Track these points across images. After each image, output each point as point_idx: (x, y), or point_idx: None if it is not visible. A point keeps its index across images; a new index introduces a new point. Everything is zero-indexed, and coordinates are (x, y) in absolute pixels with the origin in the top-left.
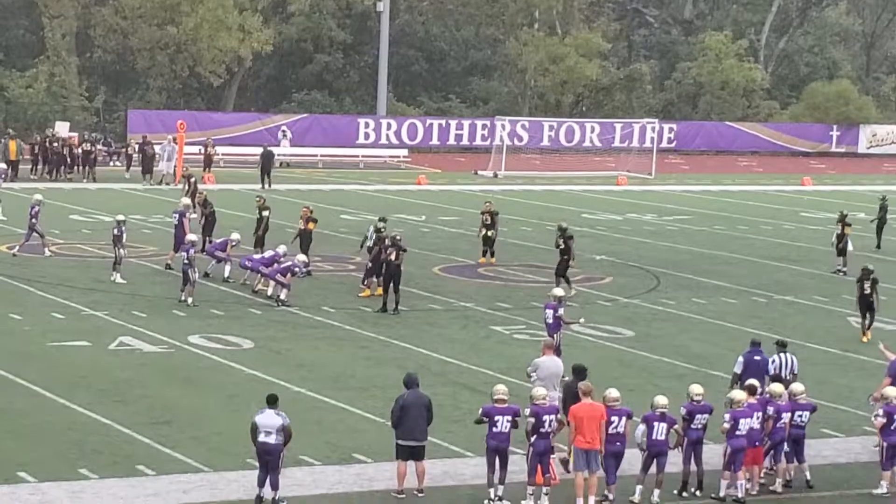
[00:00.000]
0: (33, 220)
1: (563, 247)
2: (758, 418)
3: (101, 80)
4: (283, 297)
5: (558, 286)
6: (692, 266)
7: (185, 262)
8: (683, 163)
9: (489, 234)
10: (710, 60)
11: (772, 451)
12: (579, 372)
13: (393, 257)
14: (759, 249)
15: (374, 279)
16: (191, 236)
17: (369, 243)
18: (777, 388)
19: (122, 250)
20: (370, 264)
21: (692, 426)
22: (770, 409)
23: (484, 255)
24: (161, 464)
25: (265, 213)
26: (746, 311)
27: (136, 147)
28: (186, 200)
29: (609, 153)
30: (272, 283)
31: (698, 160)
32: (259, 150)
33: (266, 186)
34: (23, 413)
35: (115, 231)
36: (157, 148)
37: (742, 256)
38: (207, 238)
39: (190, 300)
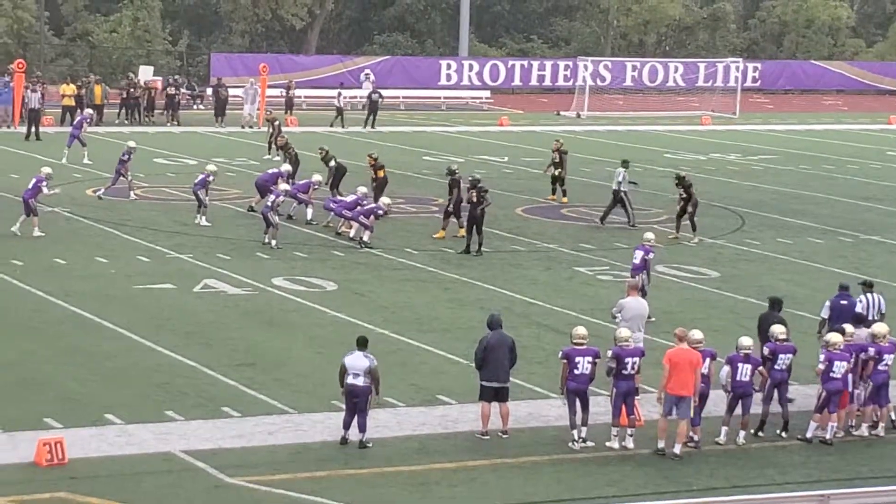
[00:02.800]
0: (121, 165)
1: (685, 196)
2: (850, 362)
3: (184, 23)
4: (365, 238)
5: (678, 231)
6: (777, 206)
7: (268, 205)
8: (768, 102)
9: (556, 172)
10: None
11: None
12: (776, 303)
13: (474, 200)
14: (845, 189)
15: (456, 221)
16: (283, 186)
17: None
18: (876, 328)
19: (206, 197)
20: (450, 207)
21: (775, 367)
22: (871, 350)
23: (553, 193)
24: (246, 406)
25: (331, 164)
26: (832, 251)
27: (211, 90)
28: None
29: (693, 93)
30: (355, 225)
31: (783, 99)
32: (365, 93)
33: (369, 128)
34: (109, 355)
35: (205, 178)
36: (239, 91)
37: (828, 196)
38: (290, 181)
39: (273, 242)
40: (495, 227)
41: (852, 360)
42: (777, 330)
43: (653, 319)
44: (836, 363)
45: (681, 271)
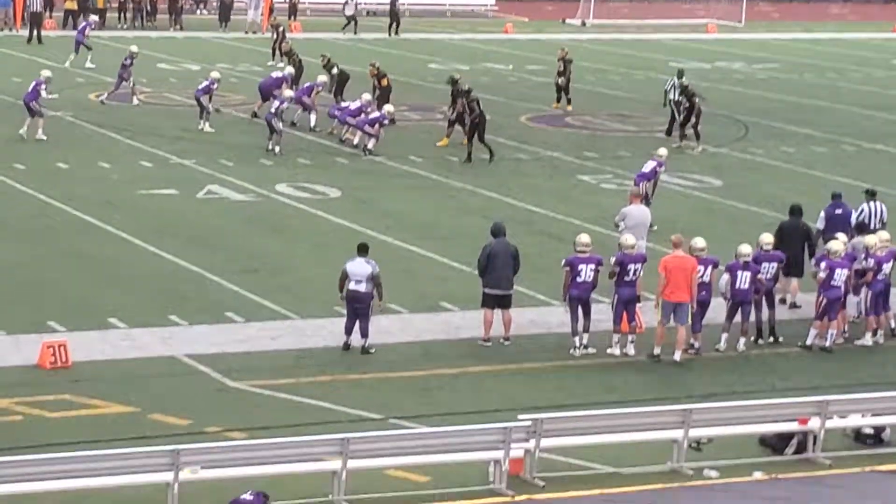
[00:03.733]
0: (123, 70)
1: (687, 105)
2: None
3: None
4: (370, 146)
5: (682, 140)
6: (781, 114)
7: (272, 111)
8: (774, 10)
9: (559, 80)
10: None
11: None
12: (796, 211)
13: (465, 110)
14: (848, 97)
15: (461, 129)
16: (288, 92)
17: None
18: (870, 239)
19: (209, 104)
20: (453, 116)
21: (759, 274)
22: (870, 261)
23: (557, 101)
24: (249, 311)
25: (333, 72)
26: (835, 160)
27: None
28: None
29: (698, 1)
30: (359, 132)
31: (789, 8)
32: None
33: (394, 35)
34: (113, 260)
35: (209, 85)
36: None
37: (831, 105)
38: (293, 87)
39: (277, 149)
40: (500, 135)
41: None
42: (764, 239)
43: (654, 228)
44: (837, 271)
45: (684, 180)
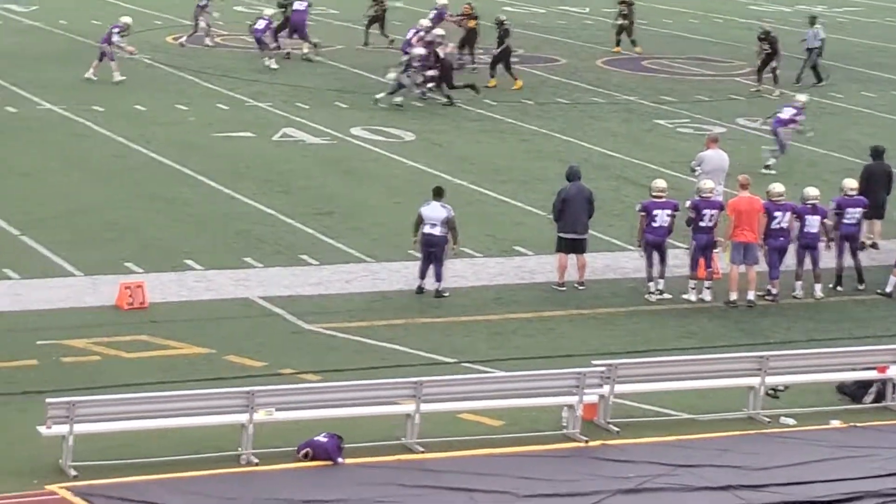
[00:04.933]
0: (199, 11)
1: (769, 50)
2: None
3: None
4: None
5: (760, 83)
6: (863, 59)
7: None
8: None
9: (622, 23)
10: None
11: None
12: (880, 153)
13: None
14: None
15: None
16: (418, 50)
17: None
18: None
19: (273, 41)
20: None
21: (844, 220)
22: None
23: (617, 44)
24: (324, 254)
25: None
26: None
27: None
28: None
29: None
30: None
31: None
32: None
33: None
34: (189, 202)
35: (269, 24)
36: None
37: None
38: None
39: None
40: (575, 79)
41: None
42: (848, 184)
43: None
44: None
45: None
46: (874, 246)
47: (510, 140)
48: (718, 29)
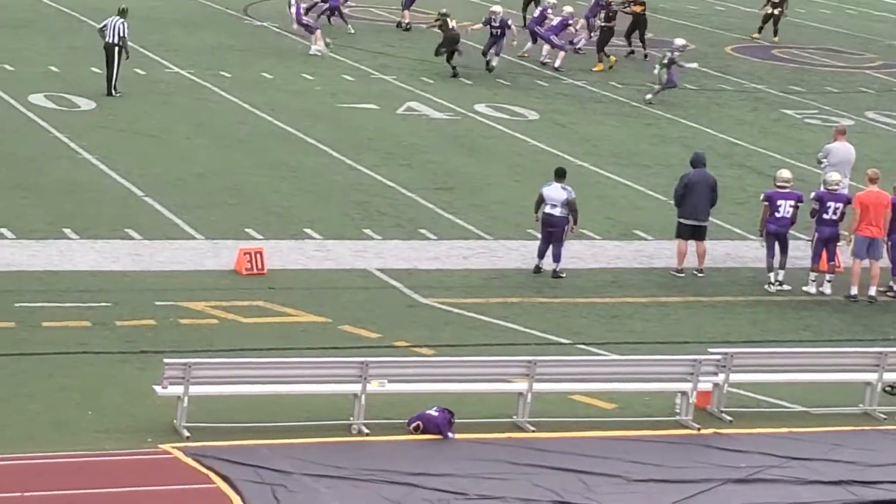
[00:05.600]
0: None
1: None
2: None
3: None
4: (557, 63)
5: None
6: None
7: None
8: None
9: (773, 11)
10: None
11: None
12: None
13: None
14: None
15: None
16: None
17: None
18: None
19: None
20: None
21: None
22: None
23: (759, 31)
24: (443, 229)
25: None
26: None
27: None
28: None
29: None
30: (560, 54)
31: None
32: None
33: None
34: (312, 171)
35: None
36: None
37: None
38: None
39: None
40: (704, 66)
41: None
42: None
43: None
44: None
45: (892, 118)
46: None
47: (634, 123)
48: (851, 20)
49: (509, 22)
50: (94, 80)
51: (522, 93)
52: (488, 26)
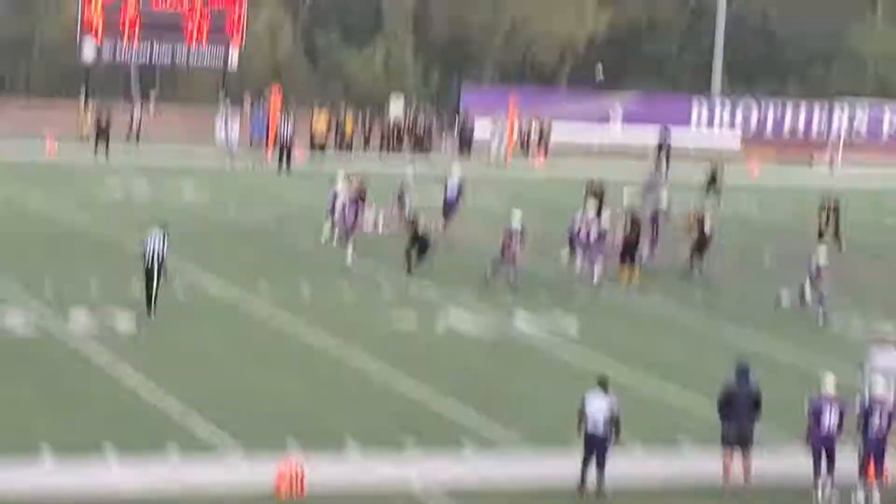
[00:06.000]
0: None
1: None
2: None
3: (436, 59)
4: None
5: None
6: None
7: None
8: None
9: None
10: None
11: None
12: None
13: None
14: None
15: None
16: None
17: None
18: None
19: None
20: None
21: None
22: None
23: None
24: (485, 443)
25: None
26: None
27: (458, 124)
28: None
29: None
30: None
31: None
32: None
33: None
34: (348, 384)
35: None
36: (488, 128)
37: None
38: None
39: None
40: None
41: None
42: None
43: None
44: None
45: None
46: None
47: (677, 333)
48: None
49: None
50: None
51: (561, 304)
52: None
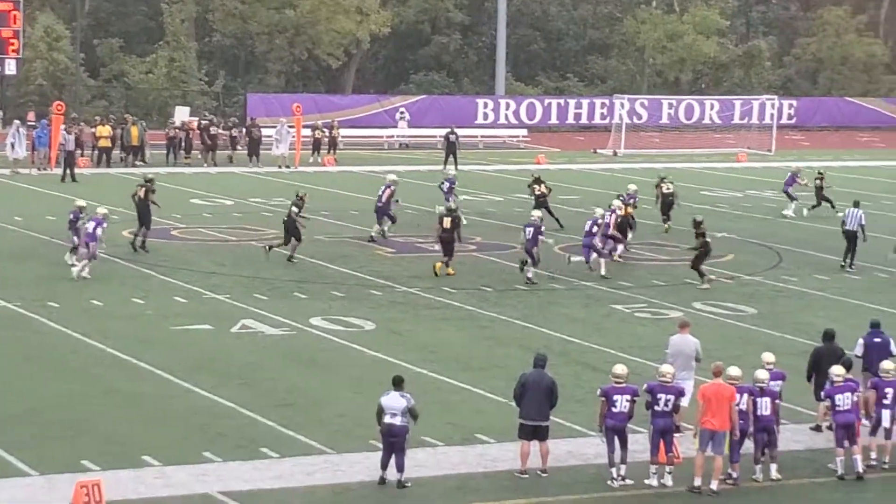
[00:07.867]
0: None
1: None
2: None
3: (219, 64)
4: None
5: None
6: (814, 242)
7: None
8: (804, 139)
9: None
10: (829, 36)
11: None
12: (829, 336)
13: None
14: (881, 225)
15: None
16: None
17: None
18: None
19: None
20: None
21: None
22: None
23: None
24: (284, 446)
25: None
26: (869, 288)
27: (244, 130)
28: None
29: (729, 130)
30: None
31: (819, 136)
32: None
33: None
34: (147, 397)
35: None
36: (272, 132)
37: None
38: None
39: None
40: (542, 267)
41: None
42: (834, 371)
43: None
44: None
45: (718, 308)
46: (817, 429)
47: (470, 327)
48: (672, 214)
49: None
50: None
51: (356, 303)
52: None
